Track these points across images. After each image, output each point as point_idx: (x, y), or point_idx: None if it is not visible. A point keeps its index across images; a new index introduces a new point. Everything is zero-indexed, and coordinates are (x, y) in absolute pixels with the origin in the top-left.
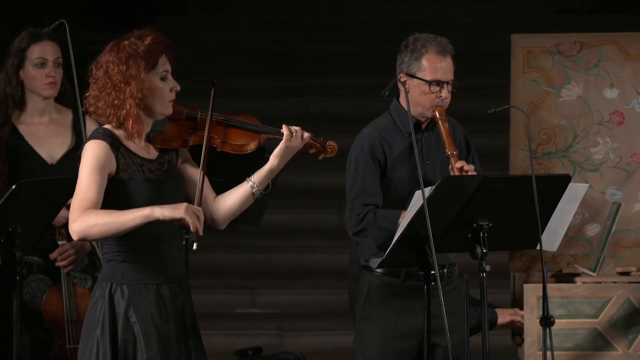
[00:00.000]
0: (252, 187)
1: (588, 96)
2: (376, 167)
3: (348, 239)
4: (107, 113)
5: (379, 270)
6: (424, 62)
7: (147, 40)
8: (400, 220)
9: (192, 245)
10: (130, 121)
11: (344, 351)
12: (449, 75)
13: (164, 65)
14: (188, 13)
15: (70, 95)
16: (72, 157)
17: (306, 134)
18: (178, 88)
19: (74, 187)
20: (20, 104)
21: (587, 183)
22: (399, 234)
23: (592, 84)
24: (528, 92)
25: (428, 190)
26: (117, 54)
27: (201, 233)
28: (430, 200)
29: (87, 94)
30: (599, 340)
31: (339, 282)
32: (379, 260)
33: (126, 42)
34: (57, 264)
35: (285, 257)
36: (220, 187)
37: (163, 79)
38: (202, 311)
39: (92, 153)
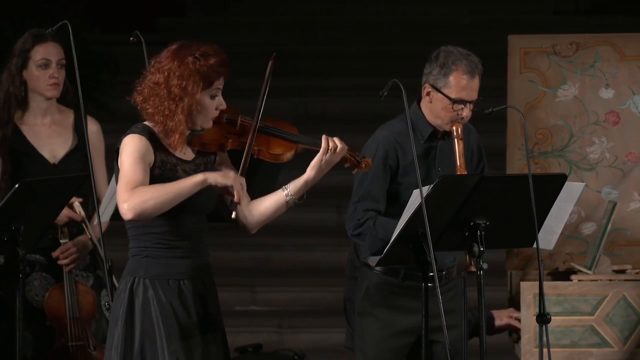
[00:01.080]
0: (287, 196)
1: (584, 96)
2: (386, 173)
3: (347, 237)
4: (155, 119)
5: (378, 268)
6: (452, 79)
7: (211, 61)
8: None
9: (231, 214)
10: (177, 135)
11: (343, 348)
12: (473, 95)
13: (218, 85)
14: (189, 14)
15: (72, 96)
16: (74, 157)
17: (344, 148)
18: (224, 106)
19: (76, 187)
20: (23, 104)
21: (583, 182)
22: (397, 232)
23: (588, 84)
24: (525, 92)
25: (426, 189)
26: (179, 67)
27: (242, 203)
28: (428, 199)
29: (138, 88)
30: (595, 338)
31: (338, 279)
32: (377, 258)
33: (191, 58)
34: (59, 262)
35: (285, 255)
36: None
37: (213, 97)
38: None
39: (133, 145)
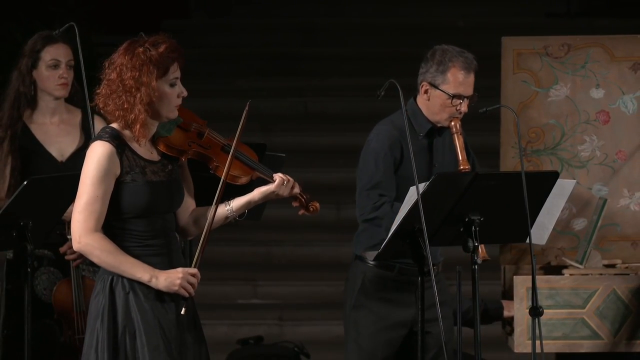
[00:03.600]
0: (228, 211)
1: (575, 96)
2: (393, 164)
3: (345, 233)
4: (116, 115)
5: (373, 262)
6: (449, 76)
7: (161, 49)
8: None
9: (181, 310)
10: (138, 126)
11: (342, 340)
12: (469, 90)
13: (175, 72)
14: (193, 17)
15: (80, 96)
16: (81, 155)
17: (296, 189)
18: (185, 94)
19: None
20: (32, 103)
21: (574, 179)
22: (394, 228)
23: (579, 84)
24: (518, 92)
25: (422, 186)
26: (131, 59)
27: (193, 295)
28: (424, 196)
29: (97, 91)
30: (586, 330)
31: (337, 274)
32: (374, 253)
33: (141, 48)
34: (66, 257)
35: (285, 250)
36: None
37: (172, 85)
38: (206, 302)
39: (98, 159)
